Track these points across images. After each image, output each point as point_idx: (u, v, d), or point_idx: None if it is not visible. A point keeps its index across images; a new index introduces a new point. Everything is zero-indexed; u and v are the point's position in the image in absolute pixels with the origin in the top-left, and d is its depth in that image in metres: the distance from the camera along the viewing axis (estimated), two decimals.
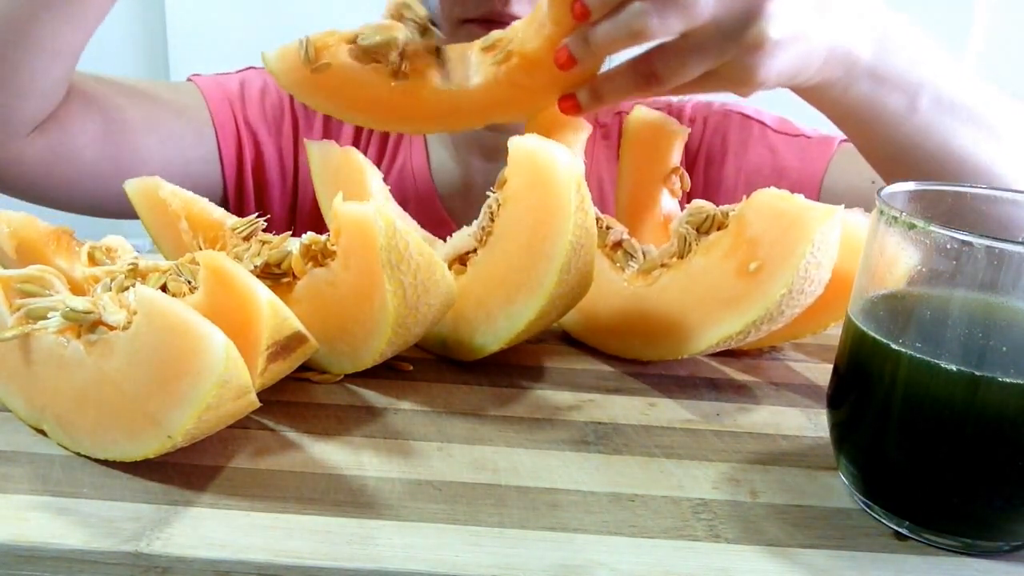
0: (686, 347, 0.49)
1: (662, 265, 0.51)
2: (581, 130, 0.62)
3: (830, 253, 0.45)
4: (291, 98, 0.87)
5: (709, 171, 0.88)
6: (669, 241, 0.52)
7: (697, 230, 0.50)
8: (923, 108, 0.62)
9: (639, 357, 0.52)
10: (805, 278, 0.45)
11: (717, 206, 0.51)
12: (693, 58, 0.52)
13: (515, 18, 0.77)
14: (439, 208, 0.89)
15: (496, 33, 0.57)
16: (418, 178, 0.89)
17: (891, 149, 0.64)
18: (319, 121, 0.88)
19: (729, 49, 0.51)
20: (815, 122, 0.81)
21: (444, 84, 0.57)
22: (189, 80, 0.86)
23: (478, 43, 0.57)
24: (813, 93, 0.61)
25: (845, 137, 0.72)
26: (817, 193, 0.82)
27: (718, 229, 0.49)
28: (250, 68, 0.90)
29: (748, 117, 0.89)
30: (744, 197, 0.48)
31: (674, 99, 0.94)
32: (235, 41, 1.57)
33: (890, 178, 0.68)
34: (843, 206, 0.45)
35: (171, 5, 1.78)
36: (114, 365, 0.38)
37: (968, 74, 0.65)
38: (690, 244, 0.50)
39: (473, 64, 0.57)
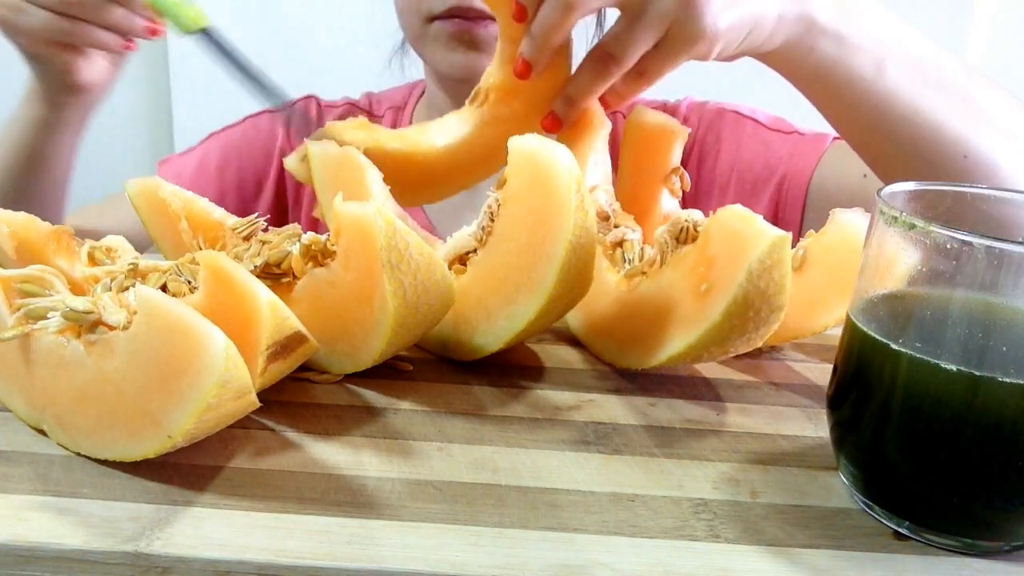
0: (644, 359, 0.48)
1: (642, 273, 0.50)
2: (601, 127, 0.62)
3: (777, 282, 0.41)
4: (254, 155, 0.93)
5: (703, 169, 0.88)
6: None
7: (676, 240, 0.49)
8: (890, 71, 0.61)
9: (613, 362, 0.52)
10: (748, 306, 0.42)
11: (709, 210, 0.50)
12: (638, 27, 0.54)
13: (480, 12, 0.78)
14: (419, 211, 0.90)
15: (477, 86, 0.62)
16: None
17: (861, 117, 0.64)
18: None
19: (667, 8, 0.53)
20: (816, 127, 0.81)
21: (439, 141, 0.61)
22: (158, 167, 0.93)
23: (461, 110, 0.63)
24: (778, 57, 0.61)
25: (838, 135, 0.72)
26: (805, 188, 0.82)
27: (692, 242, 0.48)
28: (211, 136, 0.95)
29: (741, 115, 0.89)
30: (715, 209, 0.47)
31: (671, 99, 0.94)
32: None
33: (868, 153, 0.68)
34: (790, 234, 0.41)
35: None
36: (114, 365, 0.38)
37: (938, 47, 0.64)
38: (665, 255, 0.49)
39: (459, 119, 0.62)
